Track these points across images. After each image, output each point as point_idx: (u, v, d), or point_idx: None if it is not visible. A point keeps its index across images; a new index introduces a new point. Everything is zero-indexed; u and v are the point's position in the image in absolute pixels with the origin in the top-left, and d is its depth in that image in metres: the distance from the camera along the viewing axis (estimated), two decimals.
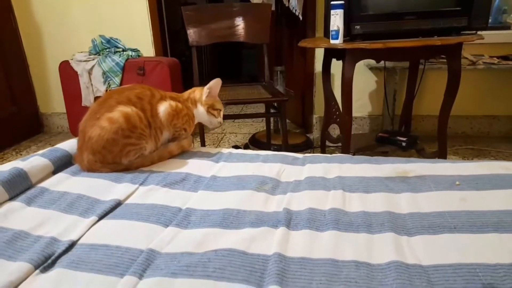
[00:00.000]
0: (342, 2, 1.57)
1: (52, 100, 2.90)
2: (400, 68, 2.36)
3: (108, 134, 0.95)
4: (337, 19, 1.58)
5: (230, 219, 0.77)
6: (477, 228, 0.71)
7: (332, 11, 1.57)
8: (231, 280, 0.59)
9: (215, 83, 1.19)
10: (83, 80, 2.48)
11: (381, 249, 0.66)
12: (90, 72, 2.47)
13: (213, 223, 0.75)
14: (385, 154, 2.08)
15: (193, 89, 1.22)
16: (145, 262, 0.63)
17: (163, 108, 1.08)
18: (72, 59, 2.52)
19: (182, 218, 0.78)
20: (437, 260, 0.62)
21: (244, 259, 0.64)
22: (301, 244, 0.69)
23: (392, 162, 1.04)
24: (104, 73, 2.43)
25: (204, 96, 1.18)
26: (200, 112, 1.19)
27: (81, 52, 2.61)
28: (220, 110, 1.22)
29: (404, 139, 2.01)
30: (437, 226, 0.72)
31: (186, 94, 1.20)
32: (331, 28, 1.60)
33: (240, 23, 2.06)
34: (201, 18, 2.01)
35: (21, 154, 2.49)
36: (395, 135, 2.08)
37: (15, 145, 2.67)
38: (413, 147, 2.04)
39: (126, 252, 0.66)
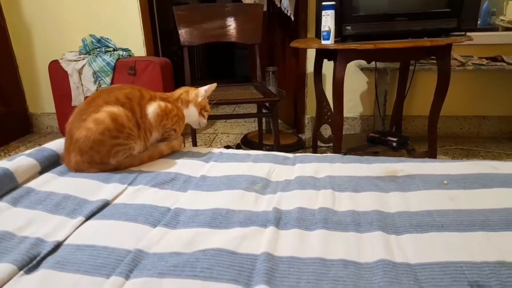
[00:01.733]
0: (334, 3, 1.58)
1: (41, 100, 2.86)
2: (391, 69, 2.38)
3: (95, 135, 0.94)
4: (328, 20, 1.59)
5: (219, 219, 0.76)
6: (464, 227, 0.71)
7: (324, 12, 1.58)
8: (219, 280, 0.58)
9: (212, 87, 1.22)
10: (73, 80, 2.45)
11: (370, 247, 0.66)
12: (80, 71, 2.44)
13: (202, 223, 0.75)
14: (376, 154, 2.09)
15: (183, 88, 1.21)
16: (132, 263, 0.63)
17: (152, 109, 1.07)
18: (62, 59, 2.49)
19: (171, 218, 0.77)
20: (424, 258, 0.63)
21: (232, 258, 0.63)
22: (290, 243, 0.68)
23: (383, 162, 1.04)
24: (94, 72, 2.41)
25: (200, 99, 1.19)
26: (191, 113, 1.19)
27: (71, 51, 2.58)
28: (208, 111, 1.24)
29: (395, 139, 2.03)
30: (425, 225, 0.72)
31: (176, 94, 1.19)
32: (322, 29, 1.61)
33: (232, 23, 2.06)
34: (193, 18, 2.00)
35: (9, 155, 2.45)
36: (386, 135, 2.10)
37: (4, 146, 2.63)
38: (404, 147, 2.06)
39: (113, 253, 0.65)
